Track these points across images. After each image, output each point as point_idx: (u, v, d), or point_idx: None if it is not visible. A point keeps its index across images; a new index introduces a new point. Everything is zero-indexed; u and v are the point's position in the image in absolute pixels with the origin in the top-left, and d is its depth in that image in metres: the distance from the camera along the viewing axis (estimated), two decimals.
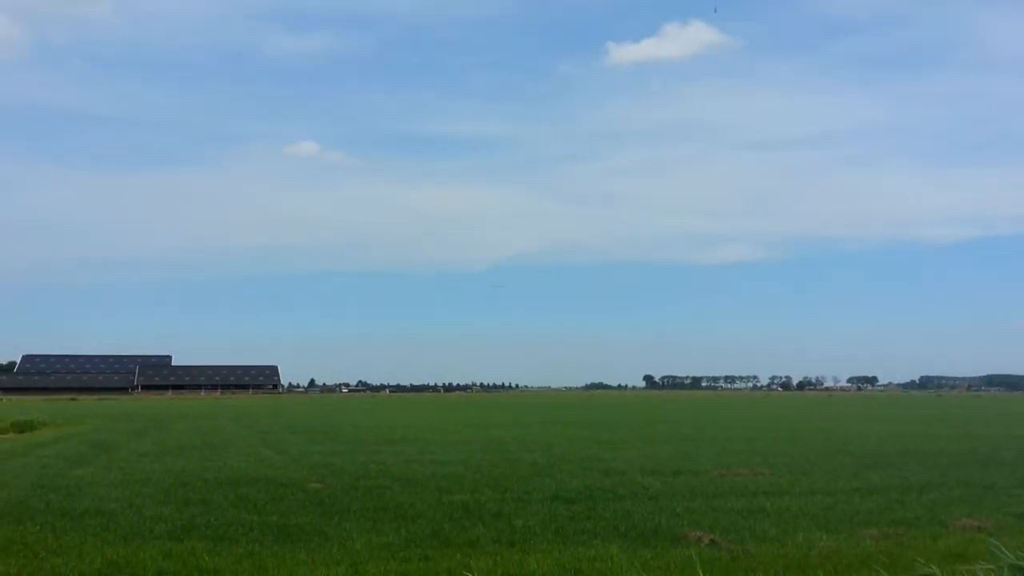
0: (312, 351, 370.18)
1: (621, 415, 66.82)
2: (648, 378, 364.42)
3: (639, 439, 36.45)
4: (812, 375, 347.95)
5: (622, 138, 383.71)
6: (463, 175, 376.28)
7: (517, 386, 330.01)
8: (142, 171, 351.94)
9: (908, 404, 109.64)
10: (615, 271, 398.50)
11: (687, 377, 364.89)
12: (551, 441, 34.80)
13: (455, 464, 24.67)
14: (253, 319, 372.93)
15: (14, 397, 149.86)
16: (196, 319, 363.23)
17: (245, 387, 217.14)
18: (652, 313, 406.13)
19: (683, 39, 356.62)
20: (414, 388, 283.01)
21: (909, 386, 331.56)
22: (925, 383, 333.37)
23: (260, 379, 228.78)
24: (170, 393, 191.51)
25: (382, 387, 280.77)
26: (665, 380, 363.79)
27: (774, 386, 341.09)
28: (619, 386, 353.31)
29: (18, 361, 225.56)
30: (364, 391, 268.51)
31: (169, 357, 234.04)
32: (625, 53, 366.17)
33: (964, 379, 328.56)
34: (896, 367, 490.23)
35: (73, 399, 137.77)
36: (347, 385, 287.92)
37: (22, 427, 43.96)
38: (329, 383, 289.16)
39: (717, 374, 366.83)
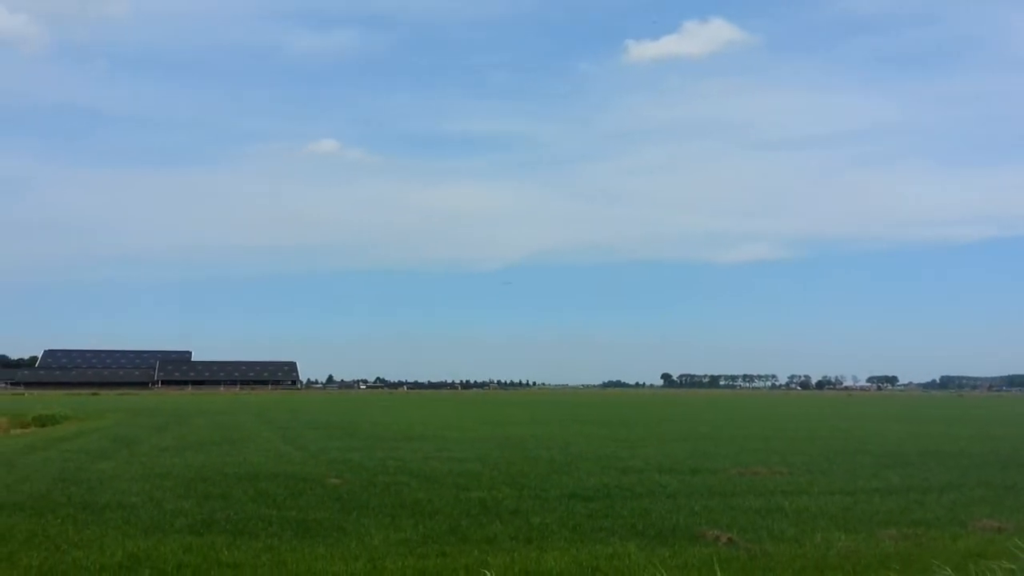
0: (330, 348, 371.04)
1: (638, 413, 66.73)
2: (666, 376, 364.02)
3: (656, 437, 36.40)
4: (831, 374, 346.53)
5: (639, 136, 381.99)
6: (481, 174, 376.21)
7: (534, 384, 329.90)
8: (163, 169, 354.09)
9: (928, 404, 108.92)
10: (632, 269, 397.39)
11: (705, 376, 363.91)
12: (568, 439, 34.80)
13: (473, 461, 24.72)
14: (272, 315, 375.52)
15: (36, 392, 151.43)
16: (216, 315, 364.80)
17: (264, 383, 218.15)
18: (670, 311, 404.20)
19: (703, 36, 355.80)
20: (431, 385, 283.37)
21: (929, 386, 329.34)
22: (945, 383, 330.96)
23: (279, 375, 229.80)
24: (190, 388, 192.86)
25: (400, 384, 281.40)
26: (683, 378, 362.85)
27: (793, 385, 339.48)
28: (636, 384, 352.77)
29: (40, 356, 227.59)
30: (382, 388, 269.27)
31: (189, 353, 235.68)
32: (644, 50, 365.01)
33: (985, 379, 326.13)
34: (916, 367, 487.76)
35: (94, 394, 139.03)
36: (365, 382, 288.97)
37: (44, 421, 44.43)
38: (347, 380, 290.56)
39: (735, 373, 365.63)
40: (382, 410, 70.66)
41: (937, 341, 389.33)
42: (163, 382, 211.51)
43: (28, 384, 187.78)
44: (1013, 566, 10.16)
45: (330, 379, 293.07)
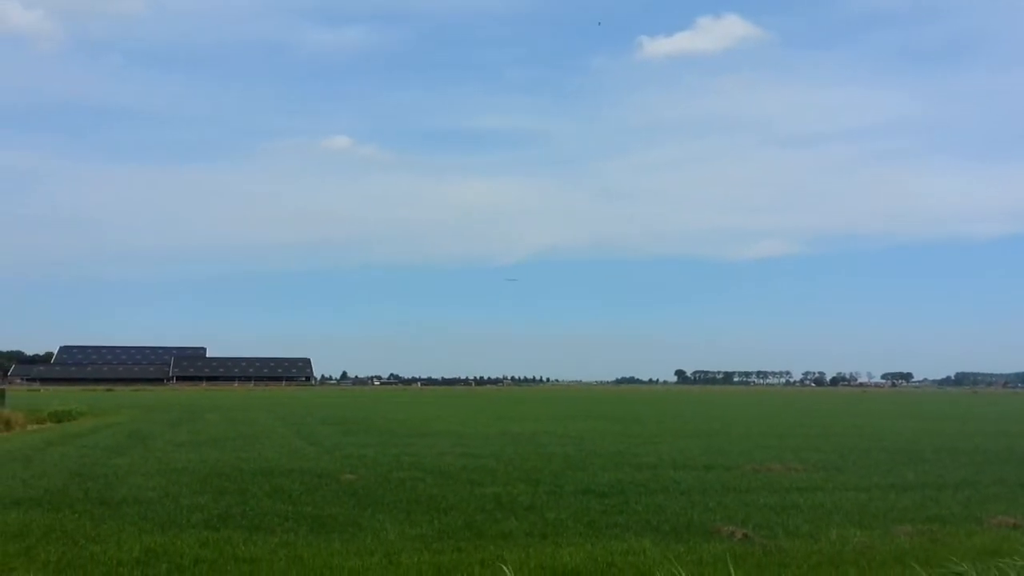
0: (344, 344, 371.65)
1: (652, 409, 66.67)
2: (680, 372, 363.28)
3: (670, 434, 36.37)
4: (846, 371, 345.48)
5: (653, 133, 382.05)
6: (495, 169, 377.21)
7: (548, 380, 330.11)
8: (178, 166, 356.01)
9: (943, 401, 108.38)
10: (647, 265, 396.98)
11: (719, 372, 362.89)
12: (583, 435, 34.82)
13: (487, 457, 24.77)
14: (286, 312, 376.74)
15: (52, 387, 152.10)
16: (230, 312, 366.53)
17: (278, 379, 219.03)
18: (684, 308, 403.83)
19: (717, 32, 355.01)
20: (445, 381, 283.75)
21: (944, 383, 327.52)
22: (961, 380, 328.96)
23: (293, 371, 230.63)
24: (204, 384, 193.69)
25: (414, 380, 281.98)
26: (697, 375, 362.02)
27: (807, 382, 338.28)
28: (650, 380, 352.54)
29: (56, 352, 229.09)
30: (396, 384, 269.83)
31: (203, 349, 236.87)
32: (658, 47, 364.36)
33: (1000, 376, 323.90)
34: (931, 363, 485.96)
35: (109, 390, 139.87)
36: (379, 378, 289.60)
37: (60, 417, 44.63)
38: (361, 376, 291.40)
39: (749, 369, 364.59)
40: (396, 406, 70.79)
41: (952, 338, 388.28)
42: (178, 378, 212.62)
43: (44, 380, 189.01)
44: None
45: (344, 375, 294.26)
